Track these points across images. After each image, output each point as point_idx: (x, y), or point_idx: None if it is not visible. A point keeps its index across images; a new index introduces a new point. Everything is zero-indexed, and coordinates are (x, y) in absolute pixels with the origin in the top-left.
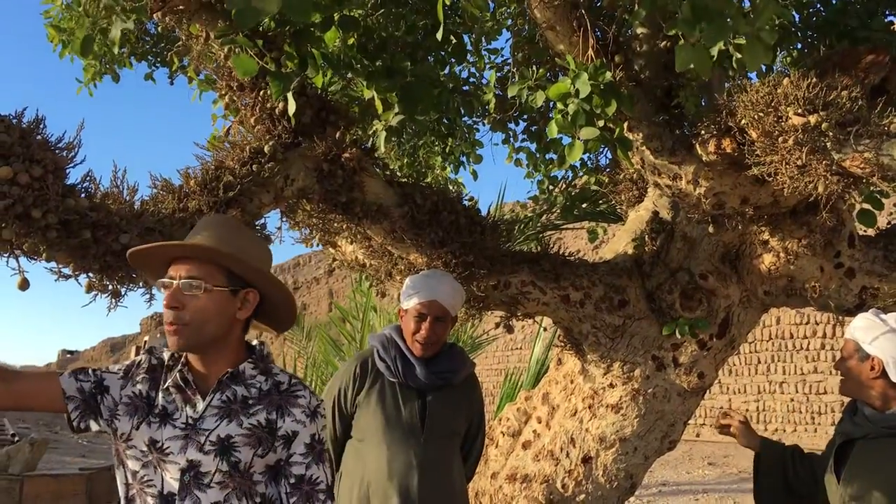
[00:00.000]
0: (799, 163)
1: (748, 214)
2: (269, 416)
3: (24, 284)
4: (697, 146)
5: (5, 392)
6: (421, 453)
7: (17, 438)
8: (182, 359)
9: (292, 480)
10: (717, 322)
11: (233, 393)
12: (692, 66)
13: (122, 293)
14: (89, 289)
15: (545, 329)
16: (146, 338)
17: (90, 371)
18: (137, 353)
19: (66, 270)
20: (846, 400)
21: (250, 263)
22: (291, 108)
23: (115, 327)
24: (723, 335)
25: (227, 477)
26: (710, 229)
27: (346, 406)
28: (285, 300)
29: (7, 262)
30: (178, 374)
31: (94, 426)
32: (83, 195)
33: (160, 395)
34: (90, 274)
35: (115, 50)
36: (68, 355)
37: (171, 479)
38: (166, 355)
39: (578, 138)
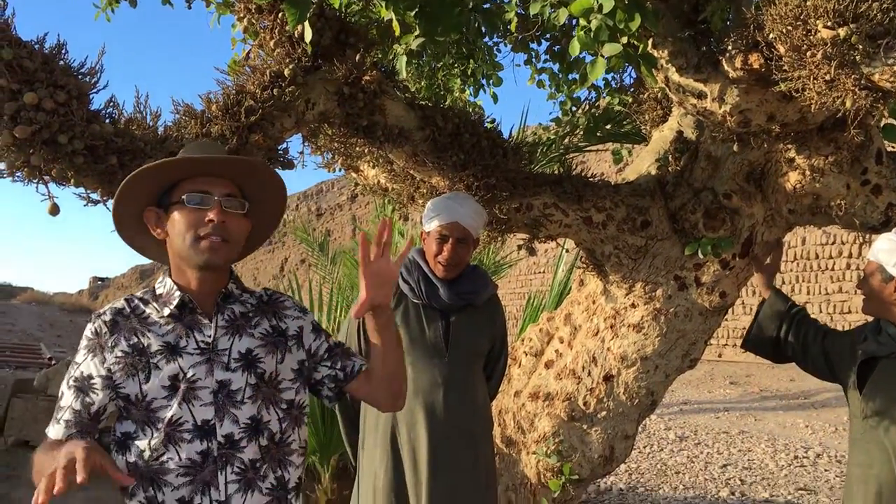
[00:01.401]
0: (827, 77)
1: (774, 132)
2: (272, 322)
3: (55, 210)
4: (724, 62)
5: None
6: (445, 371)
7: (53, 361)
8: (171, 292)
9: (326, 355)
10: (740, 241)
11: (231, 311)
12: None
13: None
14: None
15: (567, 251)
16: None
17: (61, 404)
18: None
19: (95, 196)
20: (870, 319)
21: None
22: (308, 35)
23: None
24: (746, 254)
25: (255, 390)
26: (735, 148)
27: None
28: (260, 239)
29: (37, 188)
30: (177, 301)
31: (113, 421)
32: (108, 121)
33: (150, 336)
34: None
35: None
36: (99, 282)
37: (203, 407)
38: (120, 303)
39: (601, 55)
